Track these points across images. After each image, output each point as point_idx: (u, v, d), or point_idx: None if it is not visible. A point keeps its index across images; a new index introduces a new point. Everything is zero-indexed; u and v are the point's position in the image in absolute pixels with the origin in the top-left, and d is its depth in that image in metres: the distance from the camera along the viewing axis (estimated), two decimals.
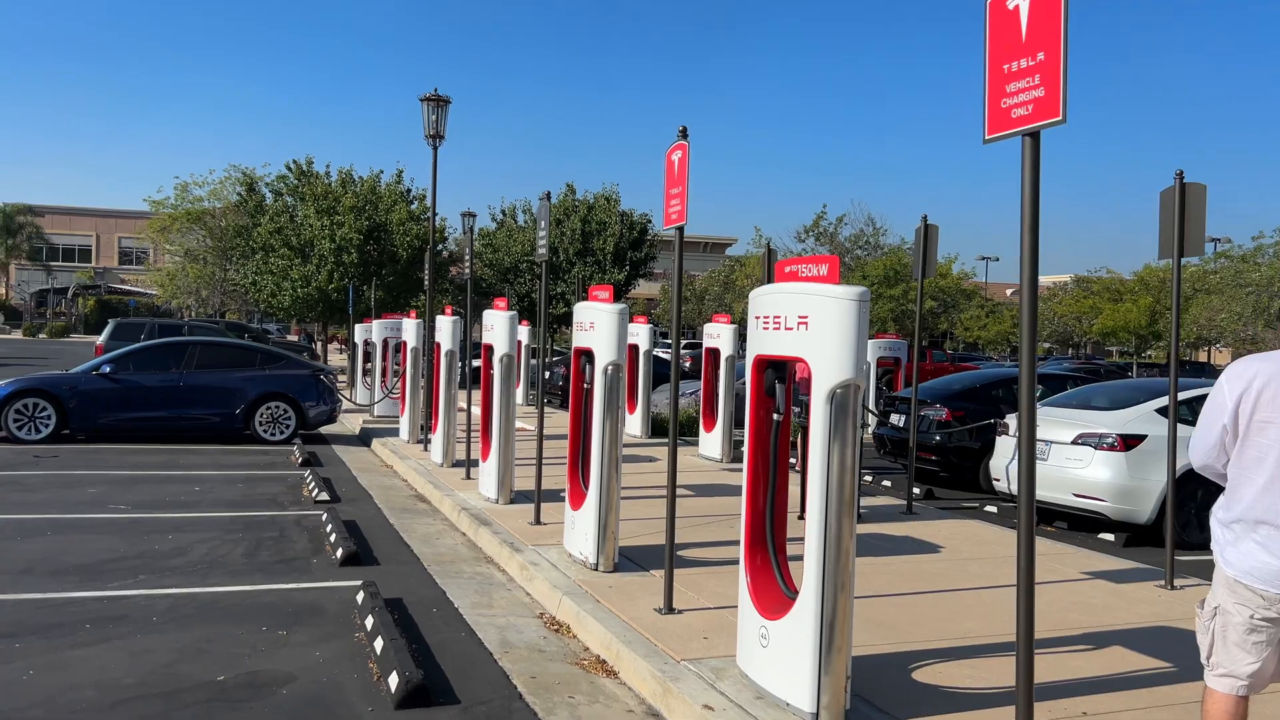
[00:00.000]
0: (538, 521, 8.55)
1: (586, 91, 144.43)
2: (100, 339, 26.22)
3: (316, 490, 10.40)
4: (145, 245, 62.50)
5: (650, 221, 32.55)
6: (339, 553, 7.57)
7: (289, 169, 31.53)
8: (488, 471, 9.69)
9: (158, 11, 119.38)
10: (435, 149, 16.87)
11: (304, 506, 9.86)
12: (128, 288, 67.14)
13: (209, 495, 10.30)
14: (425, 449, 13.77)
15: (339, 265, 28.04)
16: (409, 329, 15.10)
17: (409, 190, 31.10)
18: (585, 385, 7.32)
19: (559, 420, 16.12)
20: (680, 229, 6.20)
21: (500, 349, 9.37)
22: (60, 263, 73.57)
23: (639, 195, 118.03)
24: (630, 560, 7.42)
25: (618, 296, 7.36)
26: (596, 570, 7.08)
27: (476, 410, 12.22)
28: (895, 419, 13.68)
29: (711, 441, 13.80)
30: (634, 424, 15.93)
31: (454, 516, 9.41)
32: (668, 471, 6.27)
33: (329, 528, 8.41)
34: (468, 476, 11.10)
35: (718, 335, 14.42)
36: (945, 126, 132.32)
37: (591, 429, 7.02)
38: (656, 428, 16.22)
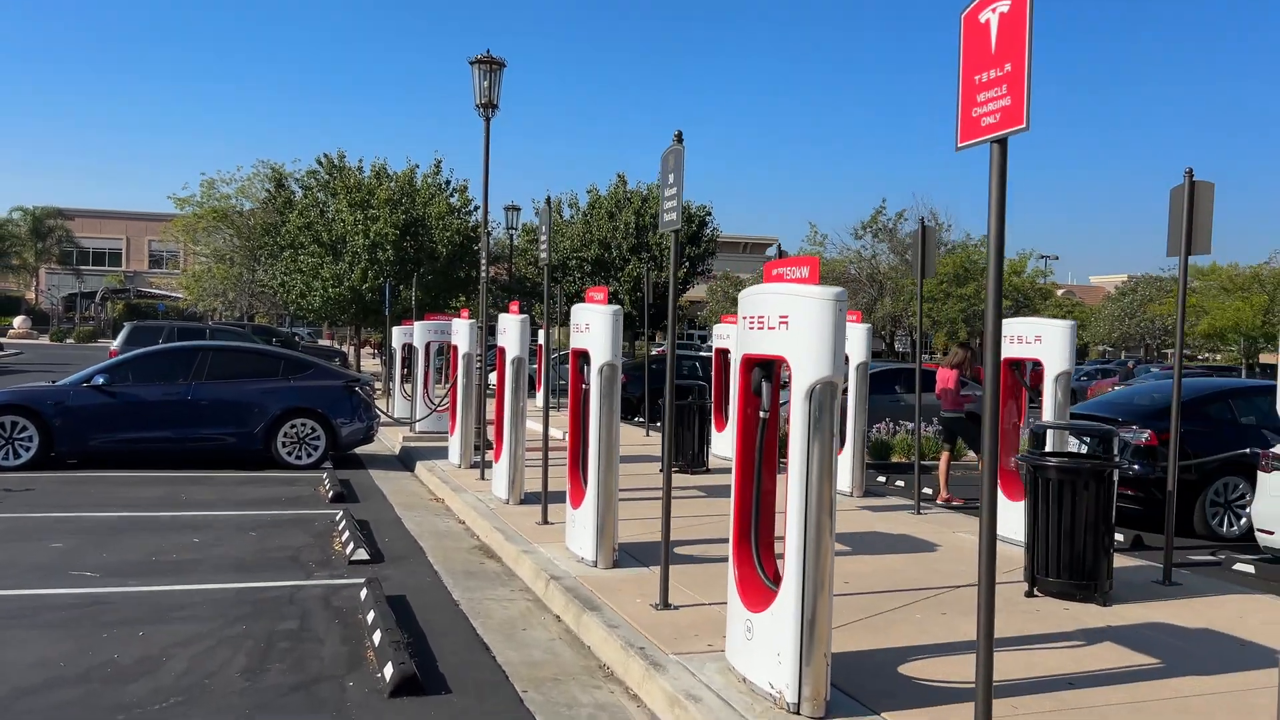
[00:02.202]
0: (664, 605, 6.36)
1: (639, 77, 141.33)
2: (115, 343, 23.79)
3: (352, 544, 7.84)
4: (175, 248, 60.70)
5: (710, 214, 29.86)
6: (387, 671, 4.95)
7: (319, 163, 29.81)
8: (581, 521, 7.20)
9: (186, 10, 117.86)
10: (488, 120, 14.33)
11: (335, 570, 7.48)
12: (157, 291, 65.58)
13: (210, 552, 7.91)
14: (482, 476, 11.23)
15: (373, 263, 26.17)
16: (461, 331, 12.47)
17: (449, 182, 28.93)
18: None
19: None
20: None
21: (599, 358, 7.42)
22: (90, 266, 72.91)
23: (697, 186, 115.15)
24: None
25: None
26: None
27: (557, 431, 9.82)
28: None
29: (724, 441, 13.64)
30: (725, 442, 13.31)
31: (539, 587, 7.44)
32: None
33: (370, 615, 6.00)
34: (545, 521, 8.44)
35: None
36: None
37: (789, 484, 5.71)
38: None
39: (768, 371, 5.02)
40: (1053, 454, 6.89)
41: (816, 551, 4.55)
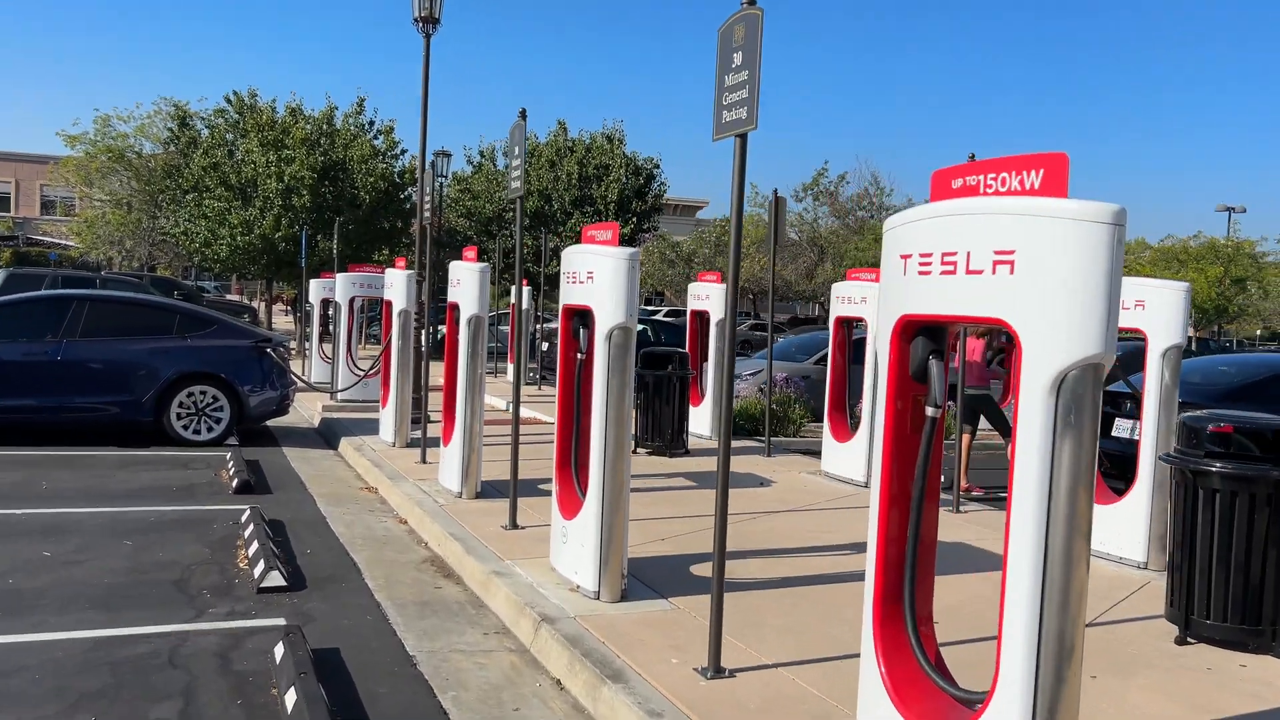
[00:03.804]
0: (716, 671, 4.28)
1: (585, 20, 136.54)
2: None
3: (262, 562, 5.72)
4: (71, 194, 56.06)
5: (659, 167, 27.88)
6: None
7: (228, 101, 26.82)
8: (578, 536, 5.40)
9: None
10: (428, 38, 12.10)
11: (238, 603, 5.62)
12: (49, 239, 60.59)
13: (64, 574, 5.86)
14: (423, 459, 9.03)
15: (288, 209, 23.64)
16: (395, 284, 10.31)
17: (372, 123, 26.09)
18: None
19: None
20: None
21: (608, 319, 5.52)
22: None
23: (642, 138, 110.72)
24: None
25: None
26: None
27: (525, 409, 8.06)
28: (1123, 426, 9.08)
29: (701, 418, 12.32)
30: (701, 419, 11.37)
31: (524, 631, 5.58)
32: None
33: (290, 697, 3.82)
34: (513, 525, 6.51)
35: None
36: (953, 82, 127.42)
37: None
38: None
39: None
40: (1217, 455, 5.20)
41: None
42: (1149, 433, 6.83)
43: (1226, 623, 5.08)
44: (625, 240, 26.65)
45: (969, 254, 2.90)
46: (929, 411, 3.19)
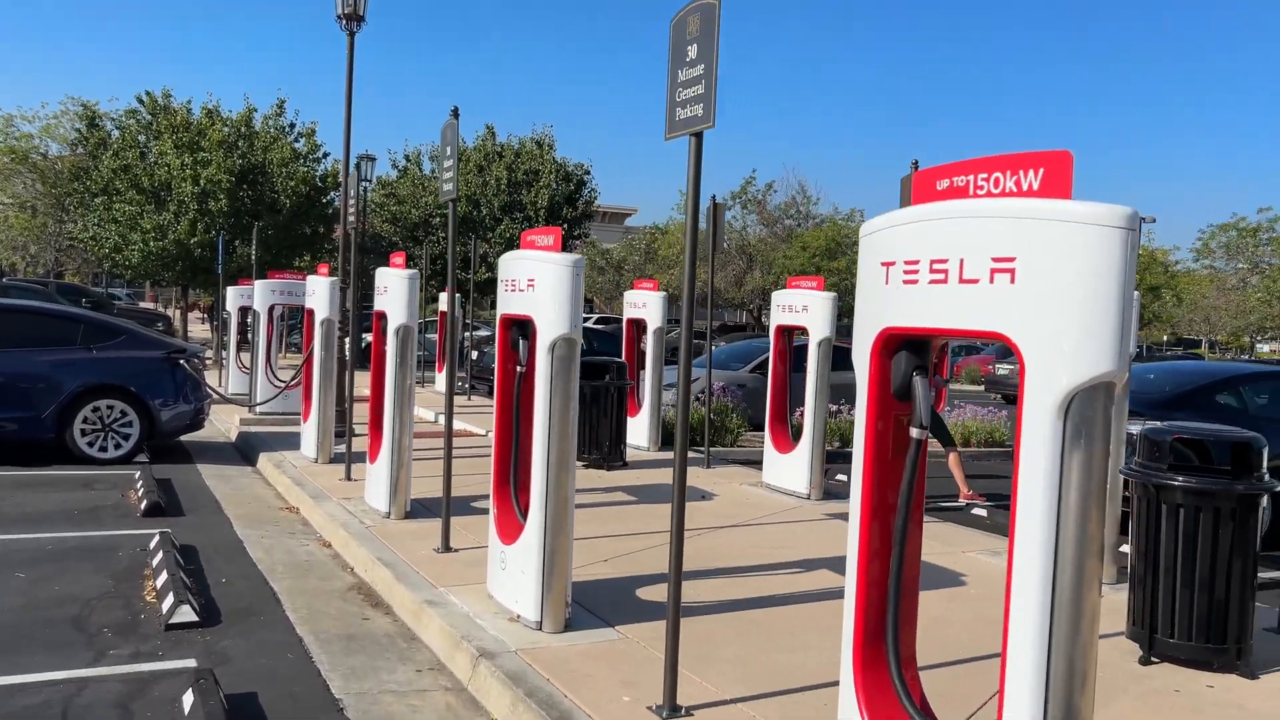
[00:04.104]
0: (674, 710, 4.09)
1: (512, 26, 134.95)
2: None
3: (171, 595, 5.30)
4: None
5: (590, 173, 27.55)
6: None
7: (141, 102, 25.52)
8: (518, 562, 5.12)
9: None
10: (352, 35, 11.52)
11: (144, 643, 5.32)
12: None
13: None
14: (348, 476, 8.58)
15: (204, 214, 22.76)
16: (318, 291, 9.80)
17: (293, 125, 25.22)
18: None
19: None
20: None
21: (551, 329, 5.19)
22: None
23: (572, 145, 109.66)
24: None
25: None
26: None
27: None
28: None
29: (638, 429, 11.95)
30: (639, 430, 11.06)
31: (461, 667, 5.18)
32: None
33: None
34: (446, 548, 6.18)
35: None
36: (880, 94, 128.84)
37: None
38: (668, 434, 11.45)
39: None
40: (1179, 469, 5.06)
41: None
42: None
43: (1191, 641, 4.94)
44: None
45: (962, 261, 2.64)
46: (914, 433, 2.93)
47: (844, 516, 8.95)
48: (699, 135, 4.10)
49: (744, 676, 4.58)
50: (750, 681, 4.52)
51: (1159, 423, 5.73)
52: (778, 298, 9.79)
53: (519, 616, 5.23)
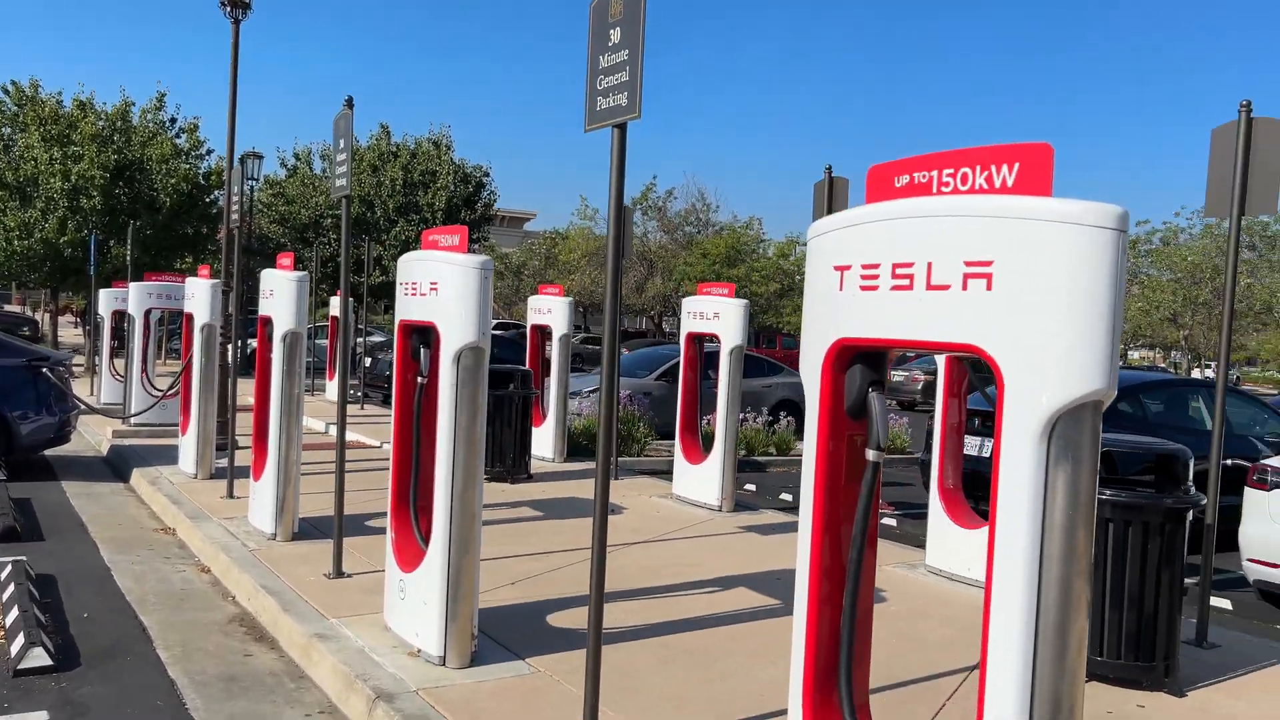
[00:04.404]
0: None
1: (408, 23, 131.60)
2: None
3: (22, 633, 4.77)
4: None
5: (489, 175, 26.95)
6: None
7: (6, 92, 23.85)
8: (418, 591, 4.74)
9: None
10: (237, 23, 10.89)
11: None
12: None
13: None
14: (230, 493, 8.02)
15: (75, 211, 21.46)
16: (198, 294, 9.14)
17: (174, 120, 23.92)
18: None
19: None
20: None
21: (456, 337, 4.75)
22: None
23: (470, 146, 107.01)
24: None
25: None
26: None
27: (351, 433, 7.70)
28: (971, 443, 9.01)
29: (544, 438, 11.51)
30: (544, 441, 10.68)
31: (356, 711, 4.64)
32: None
33: None
34: (338, 573, 5.84)
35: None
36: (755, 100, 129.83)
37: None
38: (574, 445, 11.08)
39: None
40: (1107, 483, 4.95)
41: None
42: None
43: (1120, 659, 4.82)
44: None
45: (930, 265, 2.37)
46: (870, 455, 2.64)
47: (757, 529, 8.80)
48: (622, 127, 3.77)
49: (674, 712, 4.25)
50: (681, 717, 4.20)
51: None
52: (688, 304, 9.54)
53: (420, 651, 4.79)
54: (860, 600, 2.71)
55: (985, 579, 2.34)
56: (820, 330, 2.71)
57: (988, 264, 2.26)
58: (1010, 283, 2.22)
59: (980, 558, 6.77)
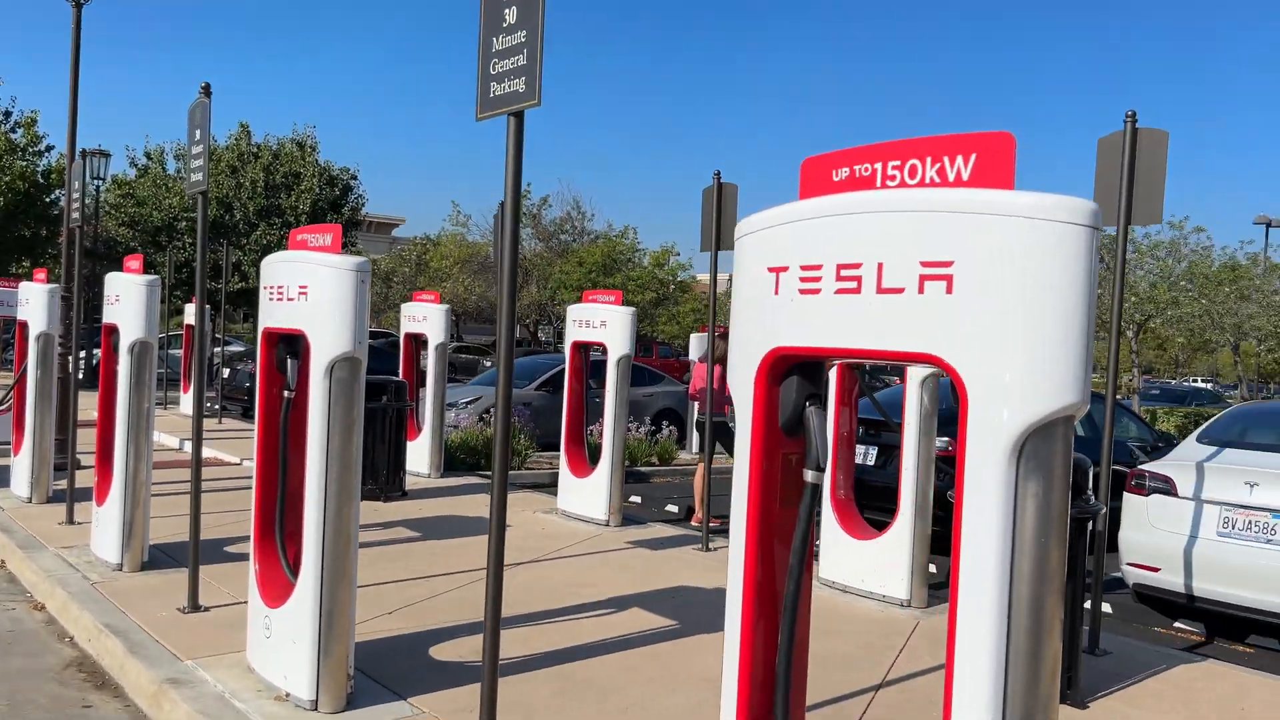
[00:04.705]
0: None
1: (272, 17, 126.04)
2: None
3: None
4: None
5: (356, 178, 26.00)
6: None
7: None
8: (285, 628, 4.31)
9: None
10: (79, 7, 10.17)
11: None
12: None
13: None
14: (70, 519, 7.47)
15: None
16: (33, 300, 8.37)
17: (9, 113, 22.19)
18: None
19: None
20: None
21: (328, 346, 4.37)
22: None
23: (336, 148, 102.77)
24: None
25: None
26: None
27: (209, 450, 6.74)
28: (861, 452, 9.03)
29: (419, 452, 10.92)
30: (419, 455, 10.23)
31: None
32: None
33: None
34: (194, 607, 5.47)
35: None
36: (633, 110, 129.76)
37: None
38: (451, 459, 10.69)
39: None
40: None
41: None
42: (909, 463, 6.60)
43: None
44: None
45: (882, 266, 2.13)
46: (808, 476, 2.39)
47: (647, 544, 8.52)
48: (520, 115, 3.44)
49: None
50: None
51: None
52: (574, 312, 9.22)
53: (289, 695, 4.31)
54: (798, 634, 2.45)
55: (950, 606, 2.12)
56: (752, 339, 2.44)
57: (947, 264, 2.04)
58: (973, 285, 2.01)
59: (875, 569, 6.68)
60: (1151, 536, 6.85)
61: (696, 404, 10.00)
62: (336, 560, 4.24)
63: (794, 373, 2.42)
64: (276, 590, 4.50)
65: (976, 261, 2.00)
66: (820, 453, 2.38)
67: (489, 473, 10.58)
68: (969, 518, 2.01)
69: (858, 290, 2.18)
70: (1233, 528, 6.42)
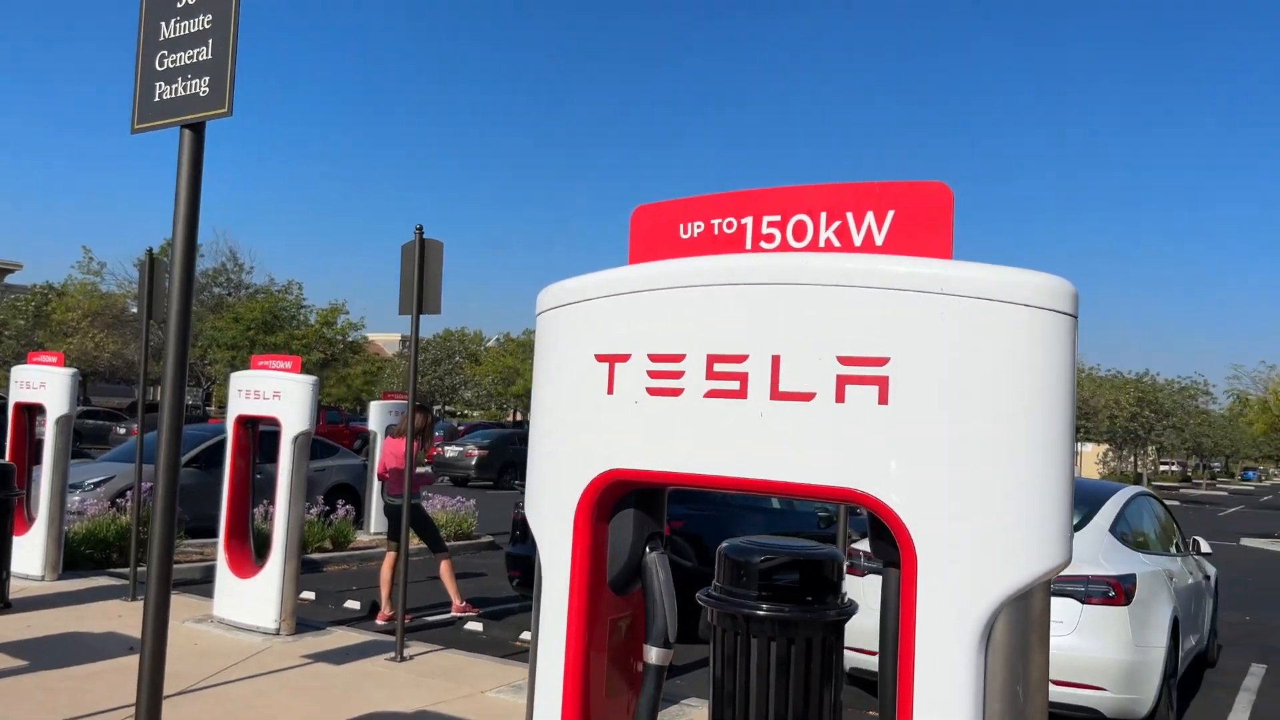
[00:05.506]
0: None
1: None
2: None
3: None
4: None
5: None
6: None
7: None
8: None
9: None
10: None
11: None
12: None
13: None
14: None
15: None
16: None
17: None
18: None
19: None
20: None
21: None
22: None
23: None
24: None
25: None
26: None
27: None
28: None
29: (30, 550, 8.77)
30: (30, 554, 8.49)
31: None
32: None
33: None
34: None
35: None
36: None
37: None
38: (74, 555, 8.97)
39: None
40: (766, 596, 4.39)
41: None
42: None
43: None
44: None
45: (778, 360, 1.49)
46: (651, 656, 1.70)
47: (329, 658, 7.21)
48: (199, 128, 2.49)
49: None
50: None
51: (735, 539, 5.17)
52: (240, 380, 7.86)
53: None
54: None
55: None
56: (571, 454, 1.70)
57: (880, 361, 1.43)
58: (919, 392, 1.42)
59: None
60: (869, 620, 6.78)
61: (387, 483, 8.90)
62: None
63: (630, 504, 1.72)
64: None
65: (925, 358, 1.42)
66: (669, 620, 1.69)
67: (124, 570, 8.80)
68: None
69: (742, 394, 1.52)
70: None
